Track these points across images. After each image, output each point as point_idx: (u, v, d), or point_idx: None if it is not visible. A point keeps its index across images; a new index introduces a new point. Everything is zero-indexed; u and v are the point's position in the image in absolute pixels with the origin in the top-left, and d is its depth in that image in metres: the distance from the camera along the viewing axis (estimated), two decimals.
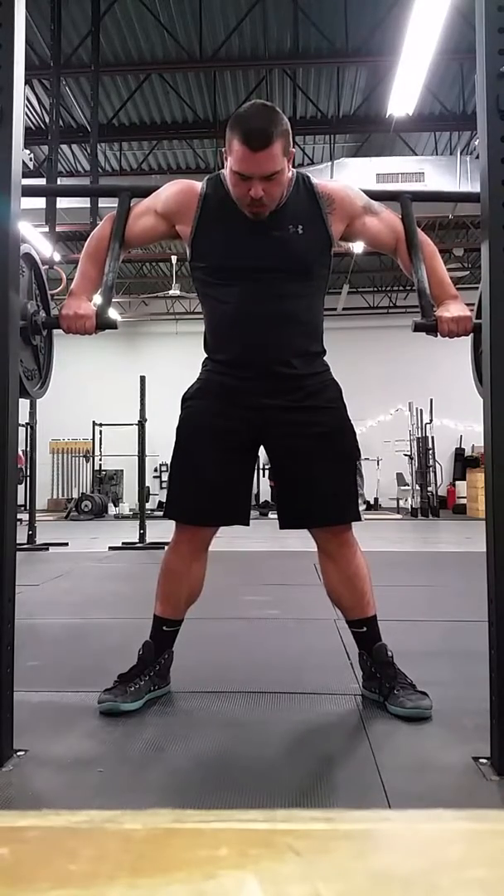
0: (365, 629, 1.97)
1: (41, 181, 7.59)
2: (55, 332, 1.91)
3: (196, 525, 1.94)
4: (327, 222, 1.84)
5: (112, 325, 1.91)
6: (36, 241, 8.66)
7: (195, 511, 1.92)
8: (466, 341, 1.97)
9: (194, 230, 1.85)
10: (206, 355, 1.95)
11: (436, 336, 1.87)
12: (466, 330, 1.83)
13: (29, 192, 1.75)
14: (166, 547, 2.01)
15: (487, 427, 1.50)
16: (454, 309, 1.85)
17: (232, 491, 1.93)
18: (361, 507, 1.98)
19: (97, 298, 1.94)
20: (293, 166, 1.83)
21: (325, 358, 1.94)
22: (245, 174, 1.71)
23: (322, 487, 1.88)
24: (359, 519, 1.92)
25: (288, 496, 1.95)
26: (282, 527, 1.95)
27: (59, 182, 7.49)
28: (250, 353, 1.85)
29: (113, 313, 13.56)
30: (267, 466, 2.03)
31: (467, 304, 1.92)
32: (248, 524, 1.95)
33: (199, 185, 1.88)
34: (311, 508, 1.90)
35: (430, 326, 1.84)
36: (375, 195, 2.00)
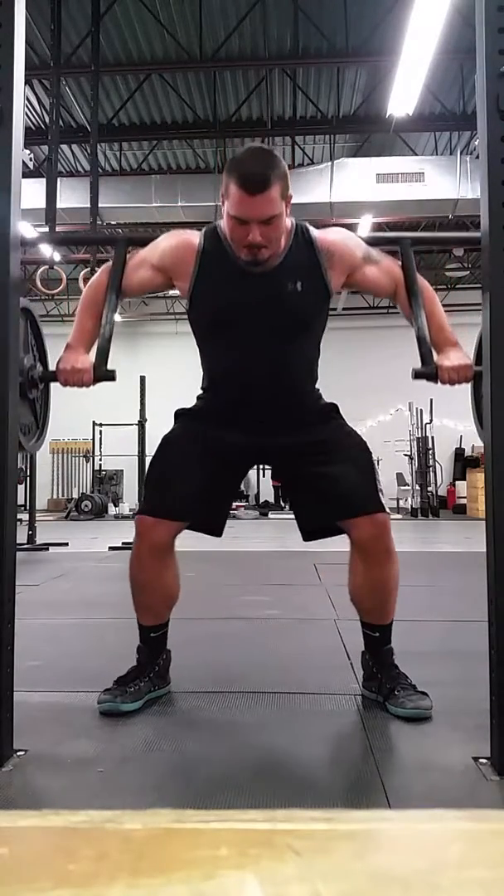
0: (377, 634, 1.93)
1: (41, 181, 7.58)
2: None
3: (167, 518, 1.86)
4: (327, 277, 1.83)
5: (111, 378, 1.87)
6: (36, 241, 8.66)
7: (169, 506, 1.86)
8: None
9: (192, 286, 1.84)
10: (202, 390, 1.97)
11: (436, 383, 1.86)
12: (467, 378, 1.83)
13: (28, 242, 1.75)
14: (129, 560, 1.92)
15: (487, 427, 1.50)
16: (454, 357, 1.84)
17: (212, 494, 1.90)
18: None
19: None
20: (289, 212, 1.79)
21: (319, 392, 1.97)
22: (243, 218, 1.69)
23: (334, 480, 1.85)
24: (383, 509, 1.87)
25: (304, 502, 1.93)
26: (306, 538, 1.94)
27: (58, 181, 7.48)
28: (247, 398, 1.87)
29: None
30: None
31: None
32: (220, 535, 1.95)
33: (196, 240, 1.85)
34: (331, 504, 1.85)
35: (429, 374, 1.83)
36: (374, 241, 2.01)
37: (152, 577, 1.90)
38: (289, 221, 1.80)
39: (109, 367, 1.87)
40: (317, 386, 1.97)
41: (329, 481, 1.86)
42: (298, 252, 1.82)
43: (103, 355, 1.88)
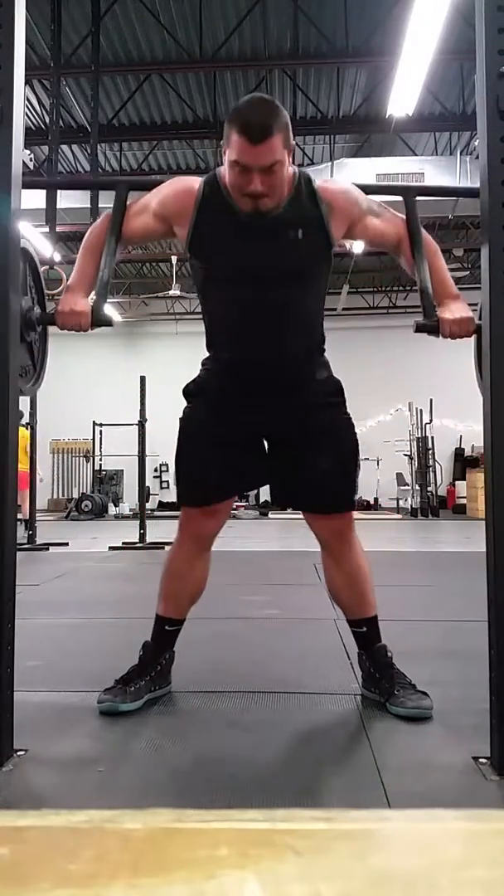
0: (365, 629, 1.97)
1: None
2: (55, 330, 1.90)
3: (206, 504, 1.92)
4: (328, 226, 1.82)
5: (108, 323, 1.89)
6: (36, 240, 8.66)
7: (207, 493, 1.92)
8: (467, 341, 1.97)
9: (191, 233, 1.83)
10: (207, 352, 1.96)
11: (438, 337, 1.86)
12: (469, 331, 1.82)
13: (27, 185, 1.73)
14: (169, 546, 2.02)
15: (487, 427, 1.50)
16: (456, 309, 1.83)
17: (237, 468, 1.93)
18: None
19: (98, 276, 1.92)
20: (294, 163, 1.81)
21: (325, 356, 1.94)
22: (244, 165, 1.68)
23: (318, 473, 1.88)
24: (352, 508, 1.94)
25: (282, 475, 1.94)
26: (274, 501, 2.02)
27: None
28: (250, 354, 1.85)
29: (113, 313, 13.34)
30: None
31: (469, 303, 1.91)
32: (258, 487, 2.06)
33: (196, 186, 1.84)
34: (304, 489, 1.91)
35: (431, 327, 1.82)
36: (378, 190, 1.99)
37: (188, 567, 1.95)
38: (291, 170, 1.79)
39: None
40: (326, 357, 1.95)
41: (308, 469, 1.89)
42: (300, 201, 1.80)
43: (101, 300, 1.88)
